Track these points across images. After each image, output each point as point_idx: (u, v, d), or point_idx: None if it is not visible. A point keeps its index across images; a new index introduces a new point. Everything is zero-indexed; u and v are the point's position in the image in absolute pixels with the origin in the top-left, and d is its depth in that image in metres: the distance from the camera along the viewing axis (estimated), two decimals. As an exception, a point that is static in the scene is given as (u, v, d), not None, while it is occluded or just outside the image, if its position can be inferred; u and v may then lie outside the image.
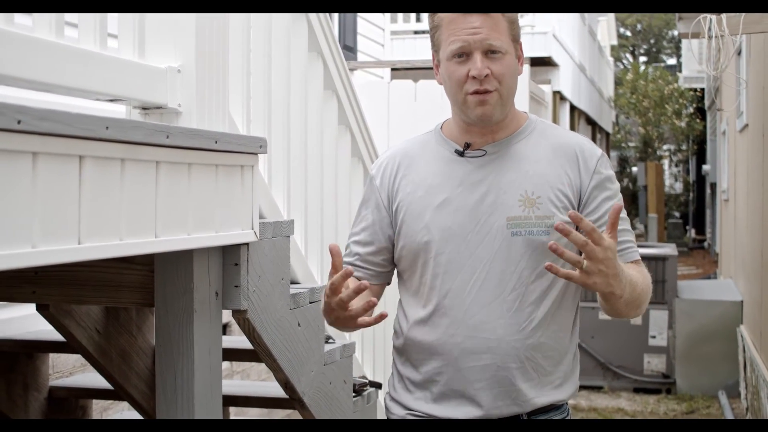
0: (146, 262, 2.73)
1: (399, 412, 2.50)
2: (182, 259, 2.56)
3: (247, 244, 2.70)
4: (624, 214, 2.39)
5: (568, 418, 2.51)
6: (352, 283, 2.25)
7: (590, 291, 2.23)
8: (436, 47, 2.40)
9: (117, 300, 2.84)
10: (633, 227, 26.95)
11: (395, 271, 2.53)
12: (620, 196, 2.47)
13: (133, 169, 2.13)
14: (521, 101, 7.18)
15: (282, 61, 3.32)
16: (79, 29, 2.25)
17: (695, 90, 24.66)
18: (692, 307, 8.85)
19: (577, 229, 2.27)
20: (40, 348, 3.86)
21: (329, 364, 3.38)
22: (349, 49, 8.55)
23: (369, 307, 2.19)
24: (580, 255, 2.16)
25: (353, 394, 3.65)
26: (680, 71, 27.97)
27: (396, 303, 2.54)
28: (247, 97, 3.05)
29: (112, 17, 2.37)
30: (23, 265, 1.79)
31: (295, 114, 3.40)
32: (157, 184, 2.23)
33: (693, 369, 8.83)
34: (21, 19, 2.07)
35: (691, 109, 25.02)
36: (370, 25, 9.12)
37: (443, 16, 2.35)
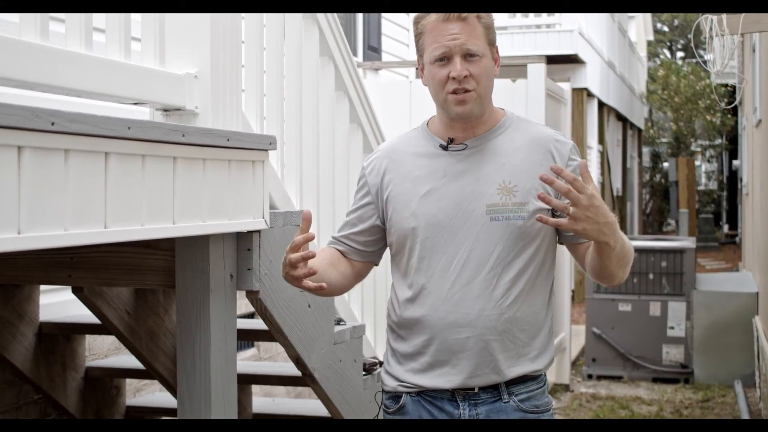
0: (169, 248, 3.04)
1: (391, 384, 2.78)
2: (200, 244, 2.86)
3: (258, 231, 3.00)
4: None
5: (546, 389, 2.78)
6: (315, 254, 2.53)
7: (583, 238, 2.50)
8: (420, 52, 2.69)
9: (144, 282, 3.16)
10: (666, 223, 27.05)
11: (386, 255, 2.83)
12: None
13: (152, 164, 2.44)
14: (537, 99, 7.43)
15: (294, 65, 3.62)
16: (106, 40, 2.56)
17: (726, 86, 24.71)
18: (710, 299, 9.05)
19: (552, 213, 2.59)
20: (77, 330, 4.19)
21: (339, 344, 3.67)
22: (374, 49, 8.84)
23: (308, 274, 2.45)
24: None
25: (363, 373, 3.94)
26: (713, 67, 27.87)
27: (388, 287, 2.84)
28: (260, 96, 3.35)
29: (135, 27, 2.68)
30: (57, 244, 2.10)
31: (308, 113, 3.70)
32: (175, 177, 2.54)
33: (710, 359, 9.04)
34: (54, 26, 2.38)
35: (723, 105, 25.10)
36: (395, 25, 9.41)
37: (426, 24, 2.64)
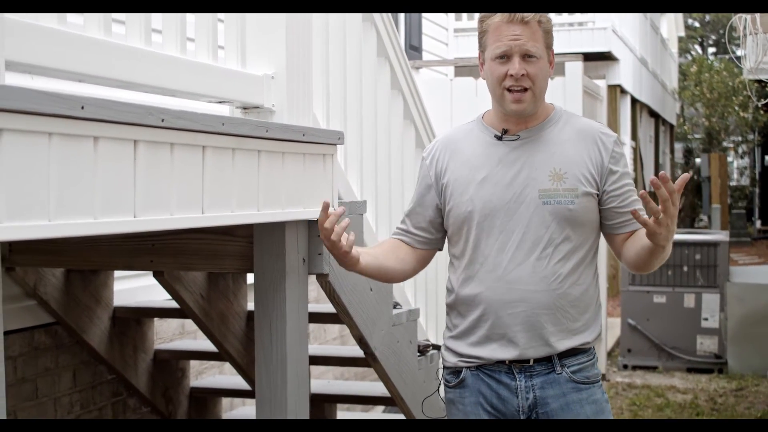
0: (245, 235, 3.30)
1: (452, 360, 3.04)
2: (276, 230, 3.13)
3: (328, 219, 3.26)
4: (628, 185, 2.95)
5: (595, 362, 3.03)
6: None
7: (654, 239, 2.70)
8: (482, 48, 2.95)
9: (221, 267, 3.43)
10: (699, 219, 27.15)
11: (445, 239, 3.10)
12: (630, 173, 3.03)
13: (241, 157, 2.71)
14: (575, 96, 7.67)
15: (355, 66, 3.88)
16: (195, 45, 2.83)
17: (761, 81, 24.73)
18: (743, 291, 9.24)
19: (599, 199, 2.85)
20: (148, 314, 4.47)
21: (397, 326, 3.92)
22: (415, 48, 9.10)
23: (350, 244, 2.78)
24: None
25: (418, 354, 4.20)
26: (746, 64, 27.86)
27: (438, 274, 3.11)
28: (327, 96, 3.62)
29: (220, 34, 2.94)
30: (166, 227, 2.37)
31: (367, 111, 3.96)
32: (259, 168, 2.80)
33: (744, 350, 9.23)
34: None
35: (755, 101, 25.12)
36: (435, 25, 9.66)
37: (490, 23, 2.89)
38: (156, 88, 2.61)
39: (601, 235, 3.02)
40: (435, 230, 3.07)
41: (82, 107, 2.04)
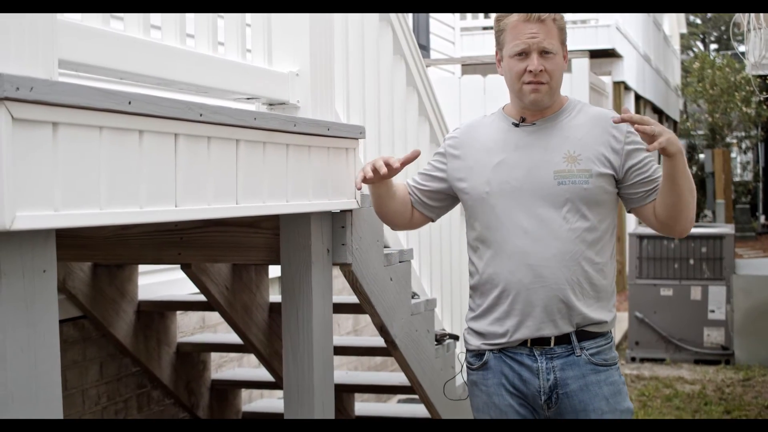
0: (270, 227, 3.43)
1: (475, 342, 3.16)
2: (302, 221, 3.25)
3: (351, 210, 3.38)
4: (649, 156, 3.07)
5: (612, 345, 3.14)
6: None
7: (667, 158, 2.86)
8: (500, 46, 3.09)
9: (246, 258, 3.55)
10: (703, 214, 27.26)
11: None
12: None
13: (271, 150, 2.83)
14: (582, 92, 7.79)
15: (373, 64, 4.00)
16: (225, 46, 2.95)
17: (763, 77, 24.81)
18: (749, 283, 9.36)
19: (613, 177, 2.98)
20: (171, 307, 4.60)
21: (415, 315, 4.05)
22: (423, 47, 9.22)
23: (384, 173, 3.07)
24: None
25: (435, 343, 4.32)
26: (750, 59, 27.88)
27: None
28: (347, 92, 3.74)
29: (248, 37, 3.06)
30: (204, 216, 2.50)
31: (384, 107, 4.08)
32: (288, 161, 2.93)
33: (750, 341, 9.34)
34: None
35: (759, 95, 25.17)
36: (442, 24, 9.79)
37: (508, 22, 3.04)
38: (191, 85, 2.72)
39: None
40: (435, 200, 3.28)
41: (129, 102, 2.16)
